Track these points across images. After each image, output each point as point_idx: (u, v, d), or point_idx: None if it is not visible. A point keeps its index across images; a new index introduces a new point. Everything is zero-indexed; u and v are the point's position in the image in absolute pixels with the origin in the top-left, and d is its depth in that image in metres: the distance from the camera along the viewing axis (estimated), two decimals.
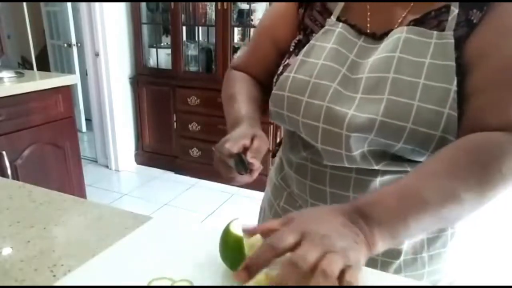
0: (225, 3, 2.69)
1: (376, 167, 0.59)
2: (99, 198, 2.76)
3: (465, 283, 0.70)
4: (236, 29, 2.88)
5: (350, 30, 0.62)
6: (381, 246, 0.43)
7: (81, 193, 2.22)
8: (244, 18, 2.83)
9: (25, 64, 4.09)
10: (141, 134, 3.33)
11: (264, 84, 0.76)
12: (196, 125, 3.01)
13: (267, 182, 0.84)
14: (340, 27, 0.62)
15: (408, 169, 0.59)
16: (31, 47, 3.31)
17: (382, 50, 0.58)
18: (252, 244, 0.46)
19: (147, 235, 0.56)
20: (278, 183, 0.78)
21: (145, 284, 0.45)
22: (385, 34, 0.59)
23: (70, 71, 4.05)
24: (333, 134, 0.58)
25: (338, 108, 0.57)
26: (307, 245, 0.38)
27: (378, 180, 0.61)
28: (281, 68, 0.67)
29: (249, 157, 0.56)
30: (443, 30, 0.54)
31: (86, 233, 0.59)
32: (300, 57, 0.63)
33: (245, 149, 0.57)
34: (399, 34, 0.56)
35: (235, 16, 2.81)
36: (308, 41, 0.65)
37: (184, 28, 2.98)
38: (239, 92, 0.72)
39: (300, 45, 0.67)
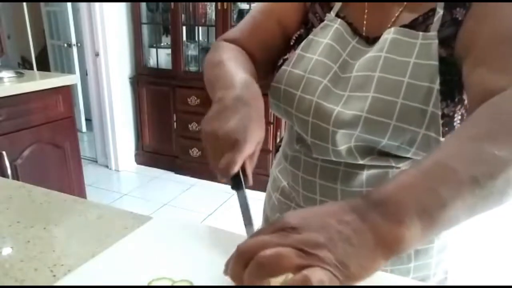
0: (225, 3, 2.69)
1: (361, 162, 0.61)
2: (99, 198, 2.76)
3: (460, 280, 0.70)
4: None
5: (347, 28, 0.63)
6: (411, 238, 0.33)
7: (81, 193, 2.23)
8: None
9: (25, 64, 4.09)
10: (141, 134, 3.33)
11: (258, 62, 0.68)
12: (196, 125, 3.01)
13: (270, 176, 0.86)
14: (338, 24, 0.63)
15: (393, 164, 0.61)
16: (31, 47, 3.31)
17: (372, 50, 0.59)
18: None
19: (147, 235, 0.56)
20: (276, 176, 0.79)
21: (145, 284, 0.45)
22: (377, 38, 0.60)
23: (70, 71, 4.05)
24: (321, 129, 0.60)
25: (326, 105, 0.59)
26: (276, 238, 0.33)
27: (365, 174, 0.62)
28: (281, 61, 0.68)
29: (248, 170, 0.50)
30: (428, 31, 0.56)
31: (86, 233, 0.59)
32: (298, 51, 0.64)
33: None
34: (386, 35, 0.58)
35: (235, 16, 2.80)
36: (308, 36, 0.65)
37: (184, 28, 2.98)
38: (232, 59, 0.62)
39: (300, 40, 0.67)
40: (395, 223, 0.33)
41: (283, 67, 0.65)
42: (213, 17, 2.82)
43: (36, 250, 0.54)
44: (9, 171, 1.80)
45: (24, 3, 3.24)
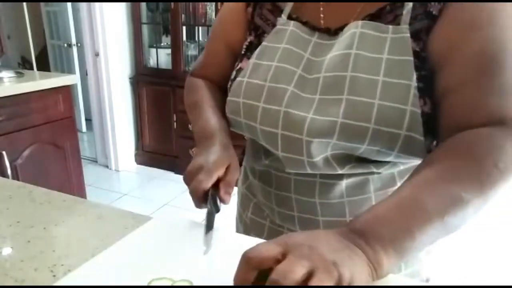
0: (225, 3, 2.69)
1: (340, 172, 0.58)
2: (99, 198, 2.75)
3: (453, 276, 0.69)
4: None
5: (303, 27, 0.59)
6: (387, 265, 0.39)
7: (81, 193, 2.23)
8: None
9: (25, 64, 4.09)
10: (141, 134, 3.33)
11: (224, 89, 0.71)
12: None
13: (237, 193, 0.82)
14: (292, 26, 0.59)
15: (374, 170, 0.58)
16: (31, 47, 3.31)
17: (338, 47, 0.55)
18: None
19: (147, 235, 0.56)
20: (244, 193, 0.76)
21: (145, 284, 0.45)
22: (340, 29, 0.56)
23: (70, 71, 4.05)
24: (293, 140, 0.55)
25: (296, 113, 0.55)
26: (292, 258, 0.34)
27: (344, 183, 0.59)
28: (234, 73, 0.64)
29: (222, 192, 0.54)
30: (399, 24, 0.52)
31: (86, 233, 0.59)
32: (252, 60, 0.61)
33: (218, 180, 0.55)
34: (354, 29, 0.54)
35: None
36: (260, 43, 0.62)
37: (184, 28, 2.98)
38: (203, 100, 0.68)
39: (251, 47, 0.64)
40: (376, 252, 0.39)
41: (238, 78, 0.61)
42: (213, 17, 2.82)
43: (36, 250, 0.54)
44: (9, 171, 1.80)
45: (24, 3, 3.23)
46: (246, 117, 0.60)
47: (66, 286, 0.46)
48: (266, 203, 0.68)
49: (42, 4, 4.25)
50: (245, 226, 0.76)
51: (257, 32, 0.65)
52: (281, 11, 0.62)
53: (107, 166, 3.37)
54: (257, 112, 0.58)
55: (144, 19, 3.13)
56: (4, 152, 1.78)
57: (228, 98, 0.63)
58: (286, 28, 0.60)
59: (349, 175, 0.59)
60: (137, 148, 3.42)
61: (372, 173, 0.59)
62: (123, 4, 3.06)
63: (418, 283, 0.60)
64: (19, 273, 0.49)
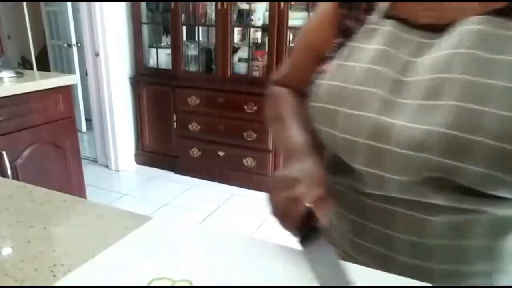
0: (225, 3, 2.69)
1: (433, 201, 0.47)
2: (99, 198, 2.75)
3: None
4: (236, 29, 2.88)
5: (401, 26, 0.52)
6: None
7: (81, 193, 2.22)
8: (244, 18, 2.83)
9: (25, 64, 4.09)
10: (141, 134, 3.33)
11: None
12: (196, 125, 3.01)
13: None
14: (388, 25, 0.52)
15: (485, 208, 0.46)
16: (31, 47, 3.31)
17: (445, 45, 0.47)
18: None
19: (147, 235, 0.56)
20: None
21: (145, 284, 0.45)
22: (448, 25, 0.48)
23: (70, 71, 4.05)
24: (378, 151, 0.47)
25: (386, 119, 0.47)
26: None
27: (437, 220, 0.48)
28: (316, 75, 0.58)
29: (319, 211, 0.47)
30: None
31: (86, 233, 0.59)
32: (336, 61, 0.55)
33: None
34: (469, 25, 0.45)
35: (235, 16, 2.81)
36: (347, 44, 0.56)
37: (184, 28, 2.98)
38: (289, 112, 0.65)
39: (338, 49, 0.58)
40: None
41: (318, 81, 0.55)
42: (213, 17, 2.82)
43: (36, 250, 0.54)
44: (9, 171, 1.80)
45: (24, 3, 3.24)
46: (324, 123, 0.54)
47: (66, 286, 0.46)
48: (340, 226, 0.61)
49: (42, 4, 4.25)
50: None
51: (345, 33, 0.58)
52: (373, 10, 0.55)
53: (107, 166, 3.37)
54: (337, 118, 0.51)
55: (144, 19, 3.13)
56: (4, 152, 1.78)
57: (309, 103, 0.57)
58: (379, 28, 0.53)
59: (446, 210, 0.47)
60: (137, 148, 3.42)
61: (479, 212, 0.46)
62: (123, 4, 3.06)
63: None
64: (19, 273, 0.49)
